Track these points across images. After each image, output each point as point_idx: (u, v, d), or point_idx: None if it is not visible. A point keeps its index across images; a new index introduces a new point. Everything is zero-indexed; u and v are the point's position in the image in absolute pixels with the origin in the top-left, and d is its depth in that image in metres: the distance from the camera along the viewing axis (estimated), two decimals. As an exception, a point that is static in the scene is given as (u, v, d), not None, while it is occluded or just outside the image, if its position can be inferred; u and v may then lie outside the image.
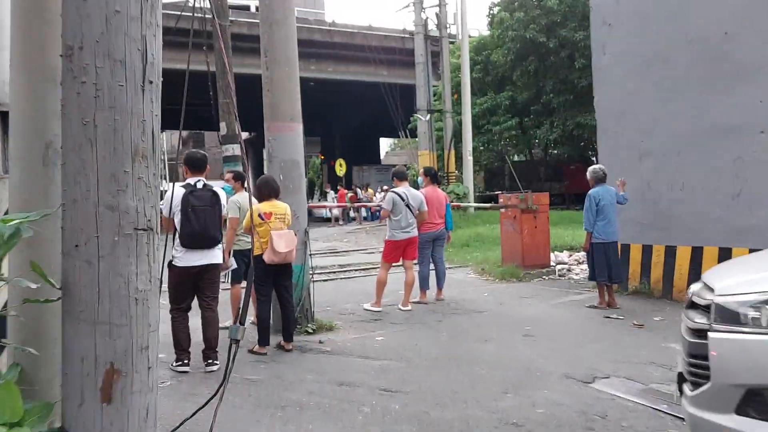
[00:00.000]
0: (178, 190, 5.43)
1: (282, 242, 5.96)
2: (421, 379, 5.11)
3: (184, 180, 5.62)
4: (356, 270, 12.58)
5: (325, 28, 30.97)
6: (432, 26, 23.10)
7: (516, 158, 39.94)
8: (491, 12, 27.88)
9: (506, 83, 28.21)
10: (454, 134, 23.31)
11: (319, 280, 9.13)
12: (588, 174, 7.82)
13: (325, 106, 34.70)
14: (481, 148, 28.28)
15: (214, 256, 5.56)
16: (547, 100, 26.31)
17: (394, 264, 8.09)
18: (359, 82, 32.07)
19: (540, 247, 10.58)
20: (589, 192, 7.73)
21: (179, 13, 20.67)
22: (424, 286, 8.42)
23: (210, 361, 5.57)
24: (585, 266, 11.01)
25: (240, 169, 8.61)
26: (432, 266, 8.56)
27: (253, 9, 33.42)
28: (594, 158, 31.81)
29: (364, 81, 31.82)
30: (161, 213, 5.57)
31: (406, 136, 26.43)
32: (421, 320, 7.38)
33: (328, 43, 30.42)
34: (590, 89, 25.55)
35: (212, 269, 5.56)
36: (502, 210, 10.98)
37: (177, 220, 5.39)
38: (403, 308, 7.93)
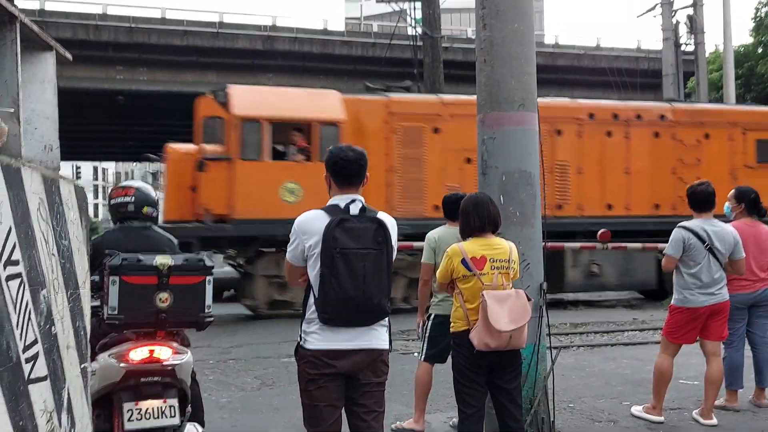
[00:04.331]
0: (317, 217, 2.94)
1: (505, 313, 3.26)
2: None
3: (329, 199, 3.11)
4: (599, 332, 9.35)
5: (547, 51, 27.93)
6: (682, 32, 19.04)
7: None
8: (758, 14, 22.82)
9: (774, 100, 22.96)
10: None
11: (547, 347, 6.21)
12: None
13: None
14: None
15: (378, 337, 2.99)
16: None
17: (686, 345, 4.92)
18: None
19: None
20: None
21: (389, 41, 19.59)
22: (735, 382, 5.08)
23: None
24: None
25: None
26: (748, 349, 5.22)
27: (469, 33, 31.58)
28: None
29: (589, 108, 28.48)
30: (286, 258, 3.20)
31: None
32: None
33: (550, 66, 27.38)
34: None
35: (374, 359, 3.00)
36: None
37: (313, 272, 2.91)
38: (704, 422, 4.70)
